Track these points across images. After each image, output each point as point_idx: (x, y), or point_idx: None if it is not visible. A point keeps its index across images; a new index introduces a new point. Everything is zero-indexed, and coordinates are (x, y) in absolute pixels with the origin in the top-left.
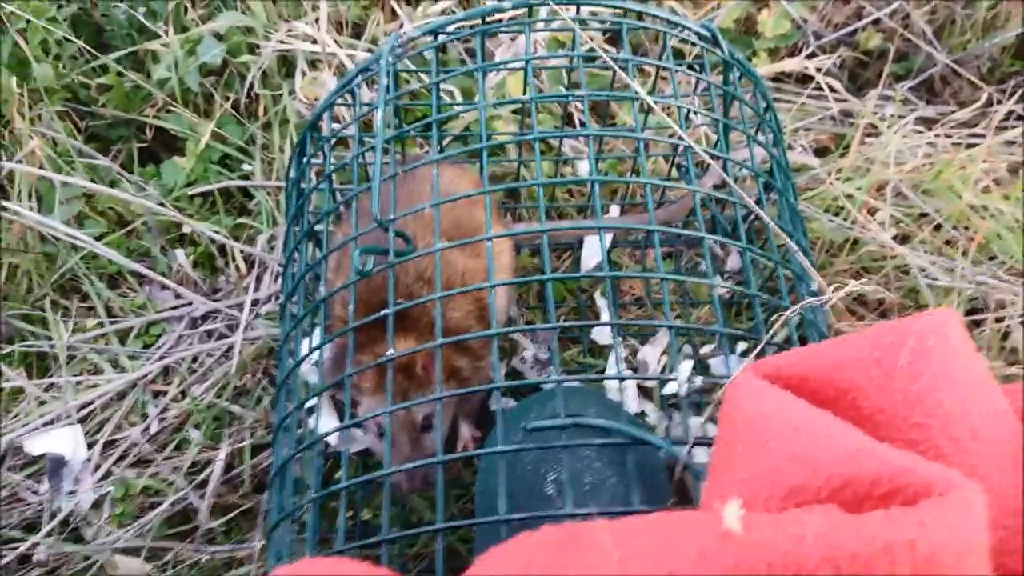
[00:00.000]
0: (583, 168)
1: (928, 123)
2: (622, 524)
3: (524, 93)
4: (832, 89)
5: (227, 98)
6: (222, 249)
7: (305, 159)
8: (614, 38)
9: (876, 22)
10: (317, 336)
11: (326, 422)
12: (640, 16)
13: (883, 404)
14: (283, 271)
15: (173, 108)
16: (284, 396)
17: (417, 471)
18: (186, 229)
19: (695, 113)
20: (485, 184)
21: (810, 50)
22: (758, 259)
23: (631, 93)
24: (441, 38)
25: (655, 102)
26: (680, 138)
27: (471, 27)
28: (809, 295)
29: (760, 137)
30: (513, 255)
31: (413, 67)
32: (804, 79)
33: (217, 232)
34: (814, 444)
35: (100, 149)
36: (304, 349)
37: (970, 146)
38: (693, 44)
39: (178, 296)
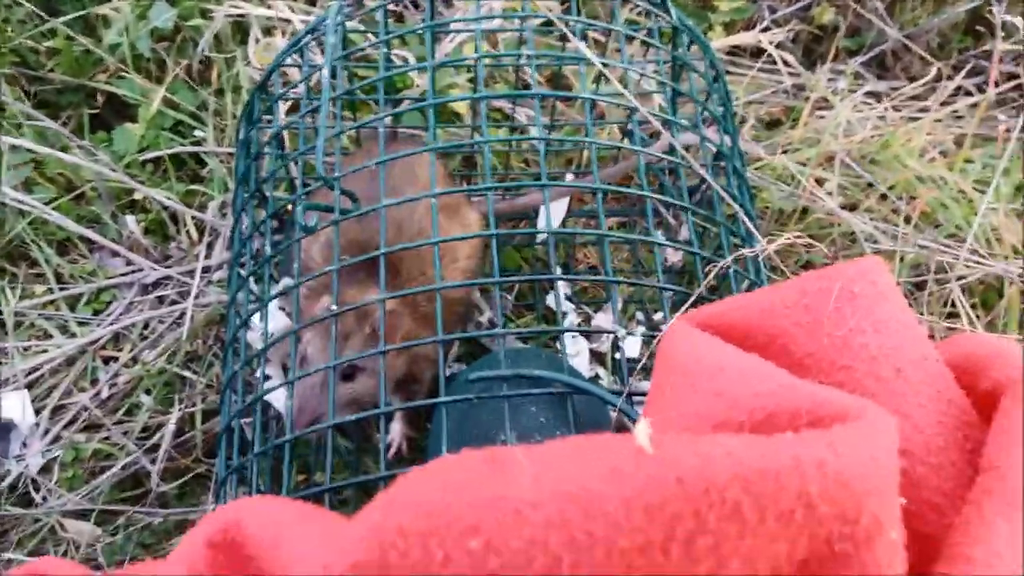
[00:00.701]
0: (533, 134)
1: (878, 97)
2: (540, 447)
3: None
4: (785, 63)
5: (178, 63)
6: (173, 216)
7: (254, 120)
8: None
9: None
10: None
11: (272, 381)
12: None
13: (811, 348)
14: (231, 233)
15: (124, 74)
16: (231, 356)
17: (306, 407)
18: (137, 196)
19: (643, 78)
20: (433, 139)
21: (764, 24)
22: (708, 228)
23: (582, 57)
24: None
25: (604, 65)
26: (629, 102)
27: None
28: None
29: (710, 106)
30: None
31: (363, 28)
32: (758, 53)
33: (169, 199)
34: (739, 382)
35: (49, 115)
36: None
37: (917, 119)
38: (646, 15)
39: (129, 263)
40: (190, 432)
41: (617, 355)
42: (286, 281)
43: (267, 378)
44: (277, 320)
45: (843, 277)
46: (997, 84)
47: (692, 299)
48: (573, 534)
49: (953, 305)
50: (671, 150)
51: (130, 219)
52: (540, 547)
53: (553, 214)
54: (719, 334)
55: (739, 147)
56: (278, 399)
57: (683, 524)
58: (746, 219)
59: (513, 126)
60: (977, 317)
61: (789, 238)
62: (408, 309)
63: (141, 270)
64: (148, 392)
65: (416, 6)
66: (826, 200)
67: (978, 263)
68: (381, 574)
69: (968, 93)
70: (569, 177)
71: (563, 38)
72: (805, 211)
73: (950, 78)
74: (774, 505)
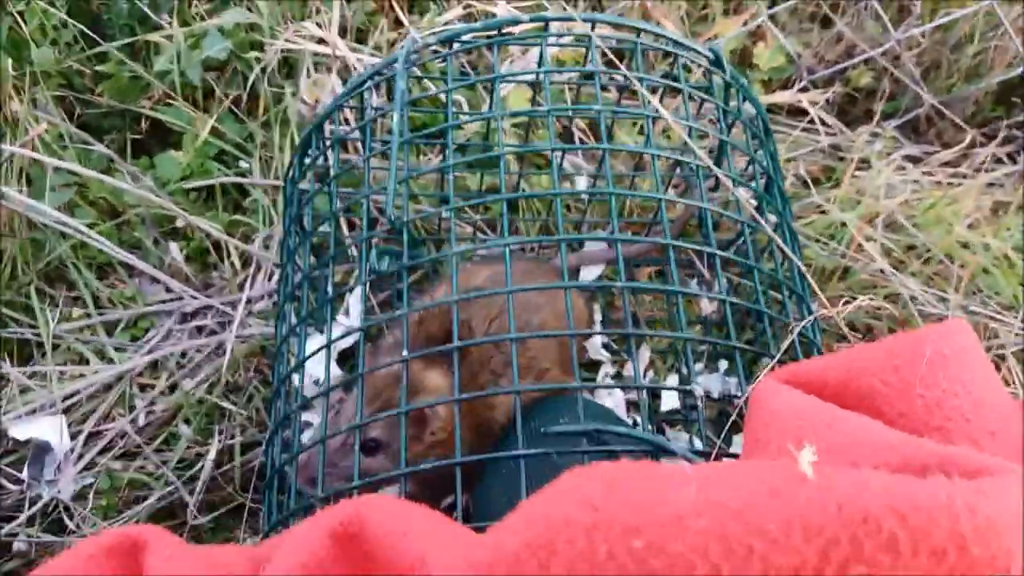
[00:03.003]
0: (581, 184)
1: (913, 161)
2: (699, 466)
3: (534, 104)
4: (823, 123)
5: (227, 94)
6: (216, 245)
7: (308, 159)
8: (617, 58)
9: (867, 61)
10: (312, 343)
11: (311, 430)
12: (652, 36)
13: (904, 409)
14: (281, 271)
15: (172, 101)
16: (280, 400)
17: (309, 467)
18: (179, 223)
19: (697, 133)
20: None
21: (802, 84)
22: (744, 283)
23: (643, 110)
24: (456, 46)
25: (667, 118)
26: (685, 154)
27: (488, 37)
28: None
29: (760, 159)
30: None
31: (419, 74)
32: (795, 112)
33: (213, 227)
34: (852, 437)
35: (93, 138)
36: (306, 350)
37: (951, 185)
38: (697, 67)
39: (168, 290)
40: (228, 464)
41: (665, 406)
42: (346, 322)
43: (308, 425)
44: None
45: (932, 339)
46: None
47: (774, 362)
48: (733, 546)
49: (999, 369)
50: (725, 204)
51: (173, 246)
52: (700, 554)
53: (595, 268)
54: (810, 392)
55: (788, 201)
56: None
57: (839, 550)
58: (805, 277)
59: (561, 174)
60: None
61: (861, 301)
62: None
63: (181, 298)
64: (187, 421)
65: (468, 51)
66: (876, 259)
67: None
68: (542, 565)
69: (999, 160)
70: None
71: (604, 87)
72: (847, 270)
73: (983, 145)
74: (927, 540)
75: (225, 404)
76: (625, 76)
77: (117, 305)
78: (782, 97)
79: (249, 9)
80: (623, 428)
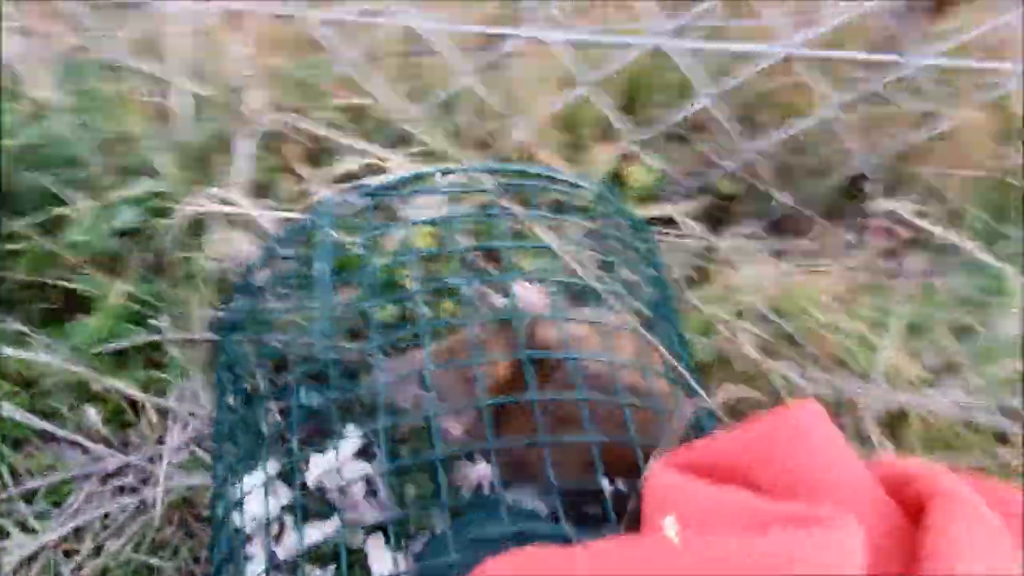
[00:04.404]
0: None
1: (777, 254)
2: (592, 543)
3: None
4: (693, 230)
5: (137, 258)
6: (132, 404)
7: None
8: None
9: (729, 172)
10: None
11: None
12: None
13: (772, 481)
14: (217, 413)
15: (82, 270)
16: (223, 536)
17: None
18: (95, 386)
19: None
20: None
21: (672, 197)
22: None
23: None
24: (376, 198)
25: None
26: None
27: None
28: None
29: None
30: None
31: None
32: (668, 222)
33: (129, 388)
34: (710, 504)
35: (3, 311)
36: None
37: (812, 271)
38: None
39: (85, 452)
40: None
41: None
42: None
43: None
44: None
45: (787, 416)
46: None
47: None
48: None
49: (863, 433)
50: None
51: (90, 410)
52: None
53: None
54: (693, 473)
55: (676, 310)
56: None
57: None
58: (689, 376)
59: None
60: (887, 442)
61: (734, 389)
62: None
63: (101, 459)
64: None
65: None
66: (749, 350)
67: (884, 396)
68: None
69: (852, 246)
70: None
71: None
72: (724, 360)
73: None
74: None
75: (153, 560)
76: (522, 217)
77: (35, 475)
78: (657, 210)
79: (154, 178)
80: (545, 527)
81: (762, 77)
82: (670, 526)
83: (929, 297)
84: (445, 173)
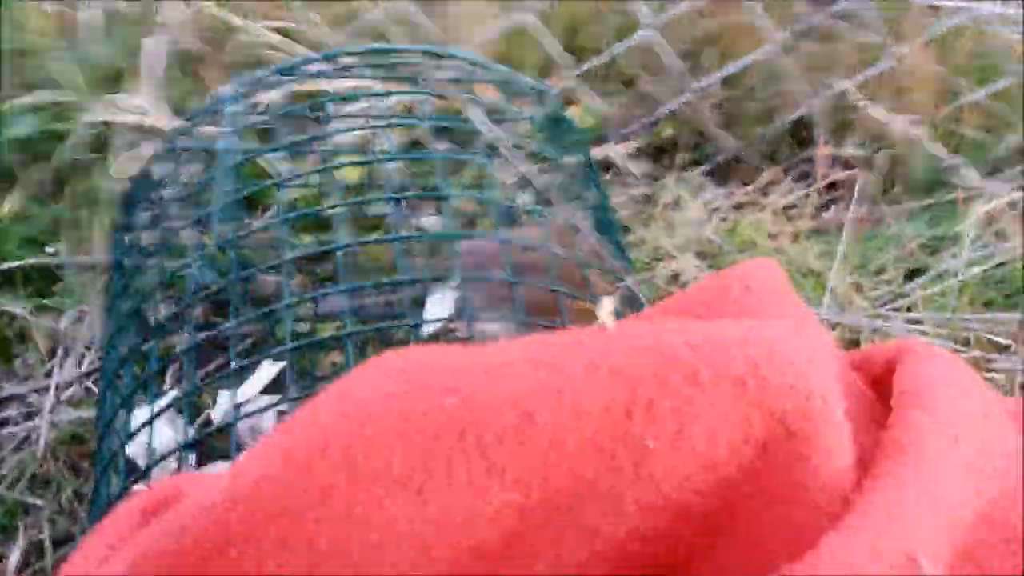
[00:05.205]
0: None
1: (722, 197)
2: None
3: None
4: (634, 174)
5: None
6: (20, 336)
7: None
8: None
9: (672, 114)
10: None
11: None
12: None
13: None
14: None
15: None
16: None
17: None
18: None
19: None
20: None
21: (614, 140)
22: None
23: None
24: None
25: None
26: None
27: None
28: None
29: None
30: None
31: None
32: (609, 166)
33: (18, 309)
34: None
35: None
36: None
37: (756, 208)
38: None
39: None
40: (38, 564)
41: None
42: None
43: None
44: (164, 435)
45: (738, 276)
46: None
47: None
48: (543, 392)
49: None
50: None
51: None
52: (510, 402)
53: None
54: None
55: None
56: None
57: (645, 387)
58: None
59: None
60: None
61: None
62: None
63: None
64: None
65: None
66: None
67: (835, 323)
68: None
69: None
70: None
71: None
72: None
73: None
74: (726, 370)
75: (30, 499)
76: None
77: None
78: (596, 153)
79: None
80: None
81: (707, 18)
82: (605, 309)
83: (877, 238)
84: (375, 52)
